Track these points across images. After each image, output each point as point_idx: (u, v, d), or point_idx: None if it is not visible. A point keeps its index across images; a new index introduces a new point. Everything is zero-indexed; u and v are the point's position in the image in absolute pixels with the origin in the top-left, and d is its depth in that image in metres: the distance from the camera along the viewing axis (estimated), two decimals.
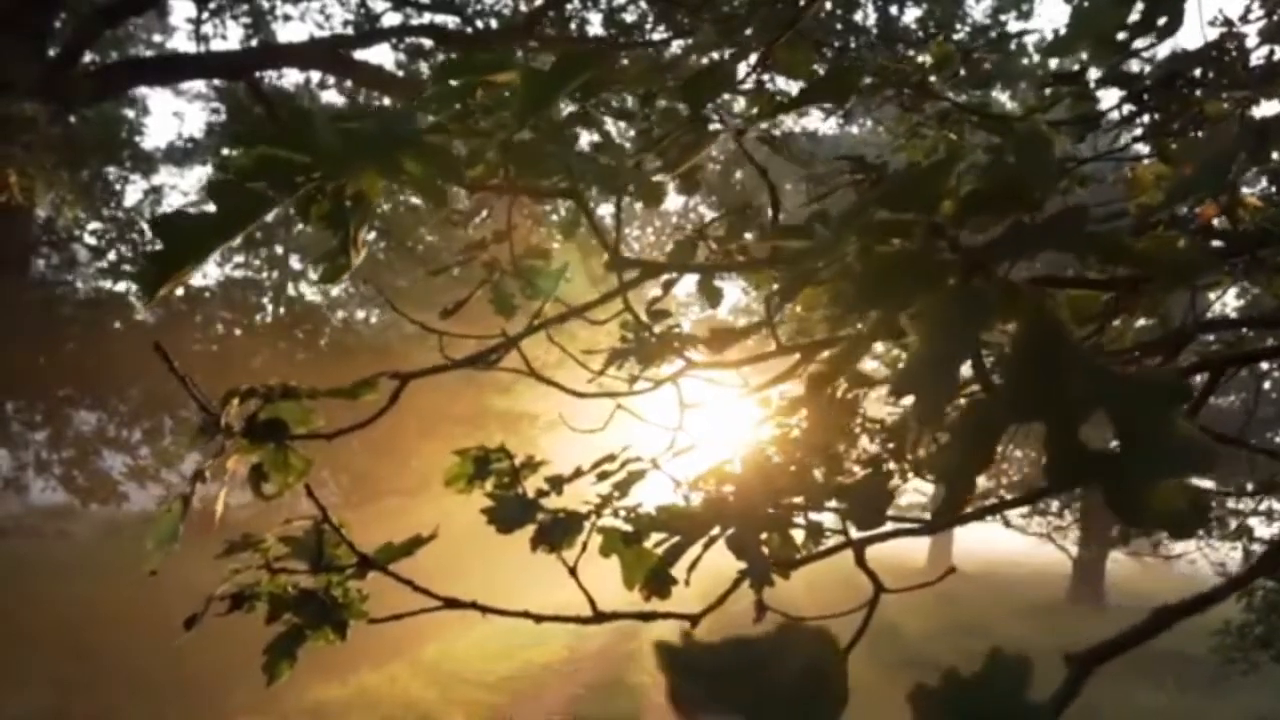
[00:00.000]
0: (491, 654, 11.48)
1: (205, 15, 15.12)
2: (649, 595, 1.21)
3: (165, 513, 0.94)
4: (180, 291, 14.62)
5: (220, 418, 0.92)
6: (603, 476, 1.49)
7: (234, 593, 1.12)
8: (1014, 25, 11.97)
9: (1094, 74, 2.63)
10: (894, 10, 11.85)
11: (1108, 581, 20.73)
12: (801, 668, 0.44)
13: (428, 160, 0.87)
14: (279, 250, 19.23)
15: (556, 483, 1.31)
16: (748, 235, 2.32)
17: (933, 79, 2.42)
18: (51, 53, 11.45)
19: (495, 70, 0.98)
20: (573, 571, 1.24)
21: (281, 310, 17.68)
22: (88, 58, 13.33)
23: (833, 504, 1.65)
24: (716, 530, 1.38)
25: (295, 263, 19.92)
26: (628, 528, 1.30)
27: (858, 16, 11.61)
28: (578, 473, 1.33)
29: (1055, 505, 20.01)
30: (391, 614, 1.30)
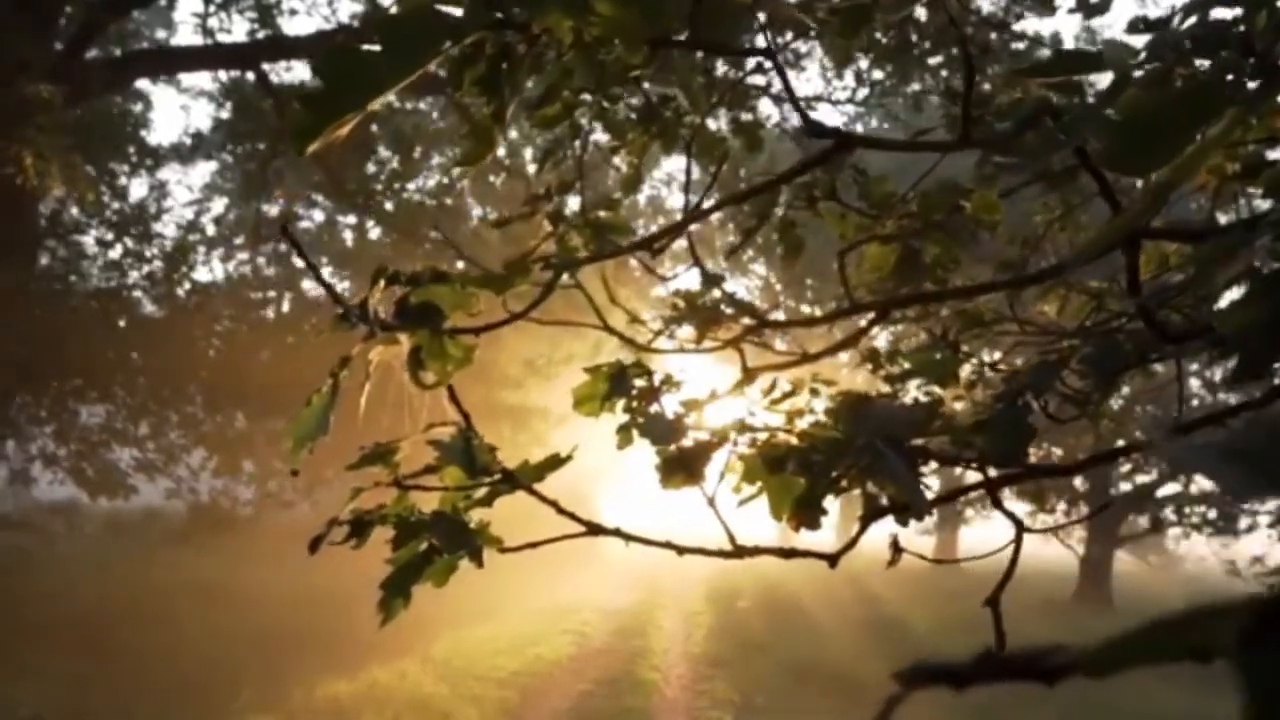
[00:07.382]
0: (501, 650, 11.38)
1: (211, 9, 15.03)
2: (798, 526, 1.11)
3: (309, 405, 0.84)
4: (186, 287, 14.51)
5: (366, 302, 0.82)
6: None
7: (353, 519, 1.02)
8: (1028, 19, 11.84)
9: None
10: None
11: (1114, 580, 20.65)
12: None
13: None
14: (283, 246, 19.14)
15: (694, 406, 1.21)
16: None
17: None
18: (58, 46, 11.35)
19: None
20: (711, 502, 1.14)
21: (286, 307, 17.57)
22: (92, 53, 13.24)
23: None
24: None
25: (298, 260, 19.82)
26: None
27: None
28: (713, 396, 1.23)
29: (1063, 504, 19.93)
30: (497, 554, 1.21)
